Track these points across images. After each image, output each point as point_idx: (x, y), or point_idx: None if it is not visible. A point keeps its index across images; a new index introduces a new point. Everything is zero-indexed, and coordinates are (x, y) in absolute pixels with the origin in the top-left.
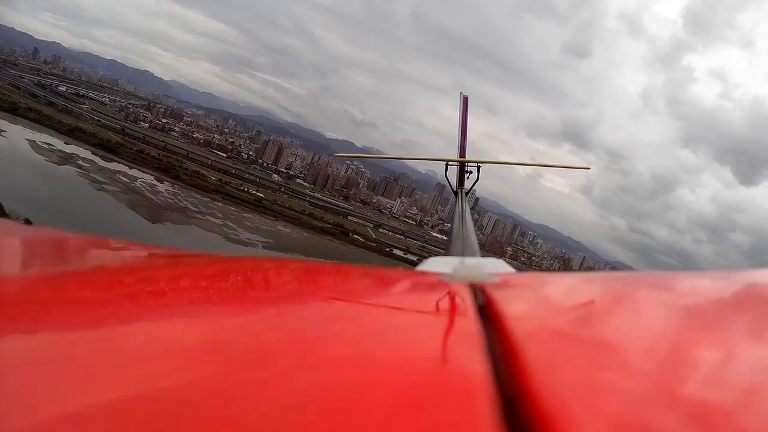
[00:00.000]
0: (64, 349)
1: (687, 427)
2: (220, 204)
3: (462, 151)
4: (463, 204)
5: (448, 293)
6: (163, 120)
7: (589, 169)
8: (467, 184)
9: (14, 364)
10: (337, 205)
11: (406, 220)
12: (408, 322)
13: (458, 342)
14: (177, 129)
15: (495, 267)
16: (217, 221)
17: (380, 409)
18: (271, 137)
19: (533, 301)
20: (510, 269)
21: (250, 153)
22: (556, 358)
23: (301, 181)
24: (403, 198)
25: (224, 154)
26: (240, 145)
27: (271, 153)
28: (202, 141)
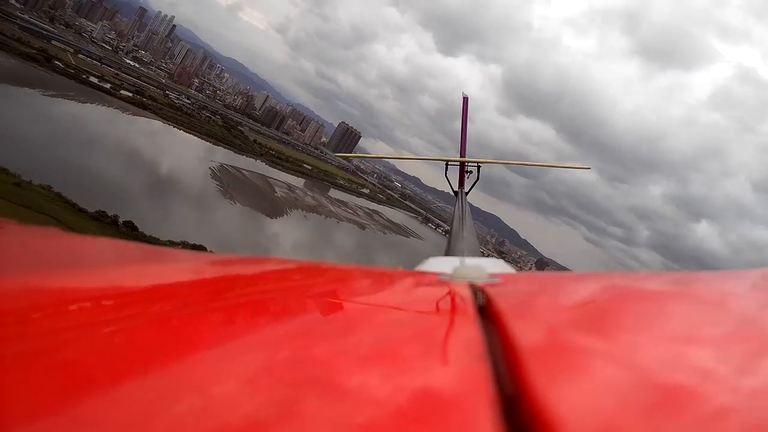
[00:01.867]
0: (64, 349)
1: (687, 427)
2: None
3: (462, 151)
4: (463, 204)
5: (448, 293)
6: None
7: (589, 168)
8: (467, 184)
9: (14, 364)
10: (43, 29)
11: (104, 45)
12: (408, 322)
13: (458, 342)
14: None
15: (495, 267)
16: None
17: (380, 409)
18: None
19: (533, 301)
20: (510, 269)
21: None
22: (556, 358)
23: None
24: (104, 21)
25: None
26: None
27: None
28: None
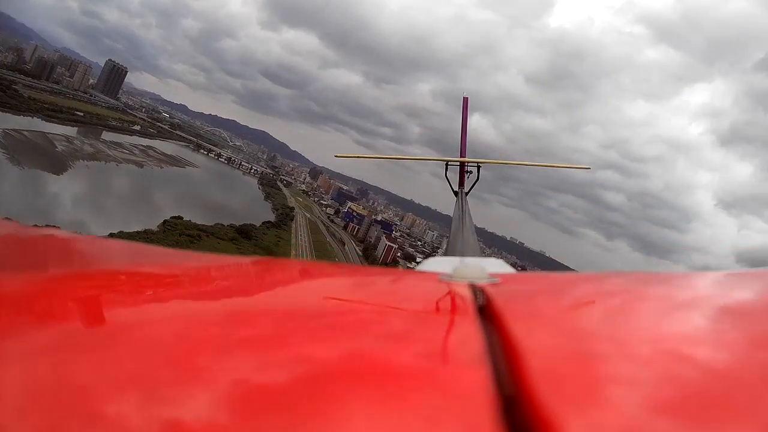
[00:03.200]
0: (64, 349)
1: (687, 427)
2: None
3: (462, 151)
4: (464, 204)
5: (448, 293)
6: None
7: (589, 168)
8: (467, 184)
9: (14, 363)
10: None
11: None
12: (408, 322)
13: (458, 342)
14: None
15: (495, 267)
16: None
17: (380, 409)
18: None
19: (533, 301)
20: (510, 269)
21: None
22: (556, 358)
23: None
24: None
25: None
26: None
27: None
28: None
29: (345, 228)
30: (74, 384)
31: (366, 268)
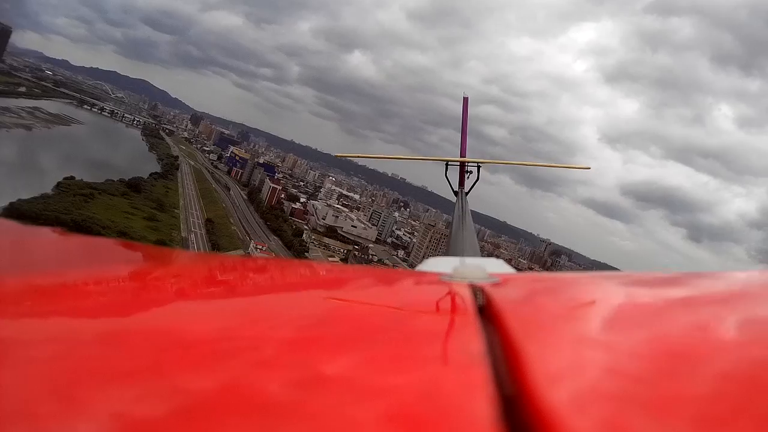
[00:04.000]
0: (63, 349)
1: (687, 426)
2: None
3: (462, 151)
4: (464, 204)
5: (448, 293)
6: None
7: (589, 168)
8: (467, 184)
9: (14, 363)
10: None
11: None
12: (408, 322)
13: (458, 342)
14: None
15: (495, 267)
16: None
17: (380, 409)
18: None
19: (533, 301)
20: (510, 269)
21: None
22: (555, 358)
23: None
24: None
25: None
26: None
27: None
28: None
29: (229, 173)
30: (72, 384)
31: (366, 268)
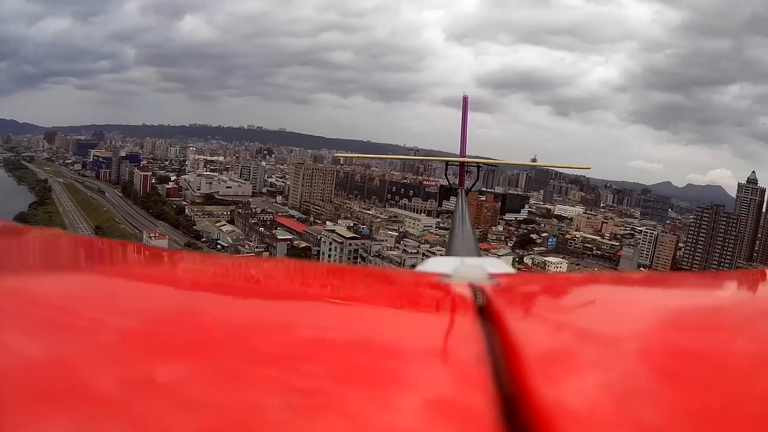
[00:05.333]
0: (64, 349)
1: (687, 426)
2: None
3: (462, 151)
4: (463, 203)
5: (448, 293)
6: None
7: (589, 168)
8: (467, 184)
9: (14, 363)
10: None
11: None
12: (408, 323)
13: (458, 342)
14: None
15: (495, 267)
16: None
17: (380, 409)
18: None
19: (533, 301)
20: (510, 269)
21: None
22: (556, 358)
23: None
24: None
25: None
26: None
27: None
28: None
29: (98, 177)
30: (74, 384)
31: (366, 268)
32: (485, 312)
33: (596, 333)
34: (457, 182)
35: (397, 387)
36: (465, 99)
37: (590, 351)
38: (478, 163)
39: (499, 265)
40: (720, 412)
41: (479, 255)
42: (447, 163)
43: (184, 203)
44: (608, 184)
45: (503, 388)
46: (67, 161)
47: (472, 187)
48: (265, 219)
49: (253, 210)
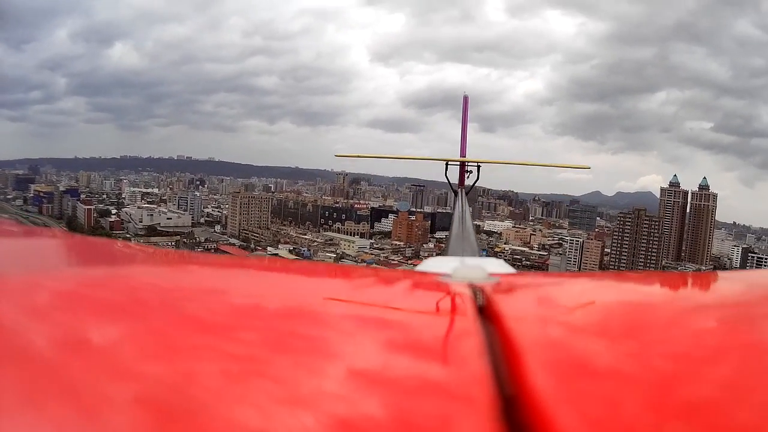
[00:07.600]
0: (63, 349)
1: (687, 426)
2: None
3: (462, 151)
4: (463, 203)
5: (448, 293)
6: None
7: (589, 168)
8: (467, 184)
9: (14, 363)
10: None
11: None
12: (408, 323)
13: (458, 342)
14: None
15: (495, 267)
16: None
17: (380, 409)
18: None
19: (533, 301)
20: (510, 269)
21: None
22: (555, 358)
23: None
24: None
25: None
26: None
27: None
28: None
29: (40, 212)
30: (71, 383)
31: (366, 268)
32: (485, 312)
33: (596, 332)
34: (458, 182)
35: (397, 387)
36: (465, 99)
37: (590, 351)
38: (478, 163)
39: (499, 265)
40: (720, 413)
41: (479, 255)
42: (447, 162)
43: (128, 236)
44: (536, 198)
45: (503, 388)
46: (8, 197)
47: (472, 186)
48: (209, 247)
49: (197, 239)
